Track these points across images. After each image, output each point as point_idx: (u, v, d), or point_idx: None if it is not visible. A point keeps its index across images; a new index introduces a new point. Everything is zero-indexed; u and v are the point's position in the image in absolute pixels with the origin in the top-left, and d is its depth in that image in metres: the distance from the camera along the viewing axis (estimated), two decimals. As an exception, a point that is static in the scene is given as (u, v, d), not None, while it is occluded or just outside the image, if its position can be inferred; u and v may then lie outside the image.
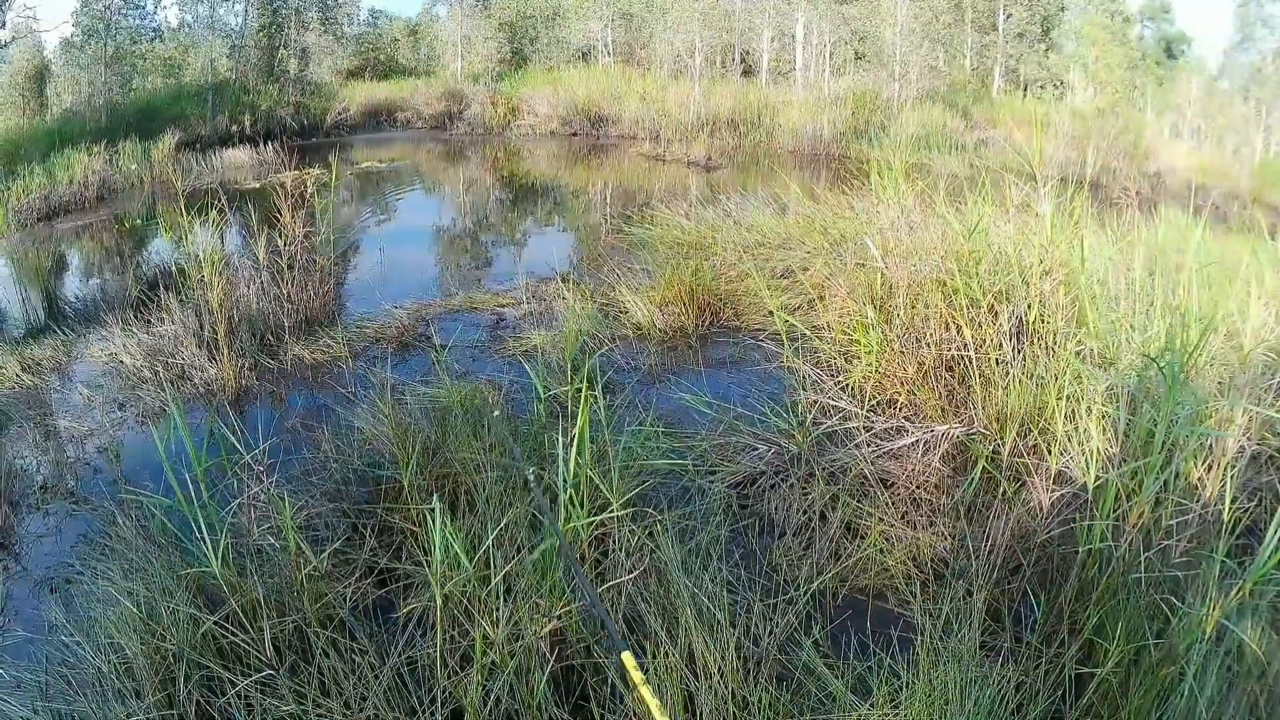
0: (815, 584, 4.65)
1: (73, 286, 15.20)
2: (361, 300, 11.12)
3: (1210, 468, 4.80)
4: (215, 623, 4.27)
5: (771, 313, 7.26)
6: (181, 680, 4.07)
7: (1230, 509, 4.26)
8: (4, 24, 26.04)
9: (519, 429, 6.14)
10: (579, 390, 5.07)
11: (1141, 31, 39.83)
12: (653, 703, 1.13)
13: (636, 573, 4.48)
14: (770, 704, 3.80)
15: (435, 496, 3.97)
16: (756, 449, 6.17)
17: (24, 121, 32.51)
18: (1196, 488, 4.67)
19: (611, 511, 4.39)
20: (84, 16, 34.67)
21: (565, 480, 4.29)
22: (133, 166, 24.97)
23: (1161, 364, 4.45)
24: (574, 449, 4.27)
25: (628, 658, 1.24)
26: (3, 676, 4.46)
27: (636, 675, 1.18)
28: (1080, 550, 4.36)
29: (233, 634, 4.24)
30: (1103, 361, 5.61)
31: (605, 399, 5.82)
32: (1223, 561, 3.70)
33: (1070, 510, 4.79)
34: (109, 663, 4.21)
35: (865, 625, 4.48)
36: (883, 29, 31.65)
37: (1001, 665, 3.87)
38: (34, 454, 7.48)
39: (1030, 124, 23.41)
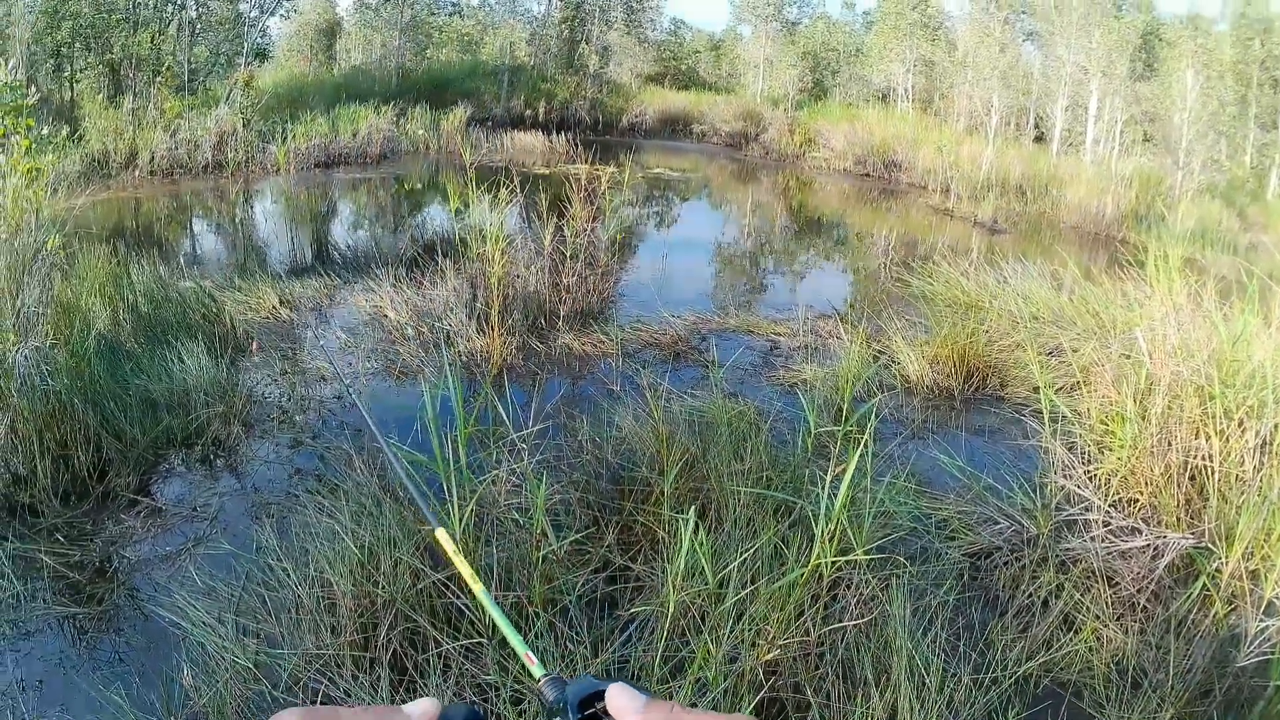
0: (1022, 669, 4.52)
1: (342, 234, 15.99)
2: (638, 302, 11.37)
3: None
4: (437, 582, 4.35)
5: (1037, 389, 7.11)
6: (384, 628, 4.24)
7: None
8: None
9: (778, 458, 6.10)
10: (847, 434, 5.03)
11: None
12: (465, 569, 1.21)
13: (864, 620, 4.47)
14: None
15: (692, 508, 3.94)
16: (998, 523, 6.10)
17: (309, 71, 34.13)
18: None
19: (853, 557, 4.32)
20: (383, -19, 36.31)
21: (823, 519, 4.24)
22: (420, 132, 25.95)
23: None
24: (842, 491, 4.20)
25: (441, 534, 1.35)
26: (194, 581, 4.76)
27: (449, 546, 1.28)
28: (1271, 685, 4.27)
29: (454, 596, 4.34)
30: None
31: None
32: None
33: (1273, 644, 4.62)
34: (312, 595, 4.42)
35: None
36: (1172, 113, 30.61)
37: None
38: (276, 384, 7.82)
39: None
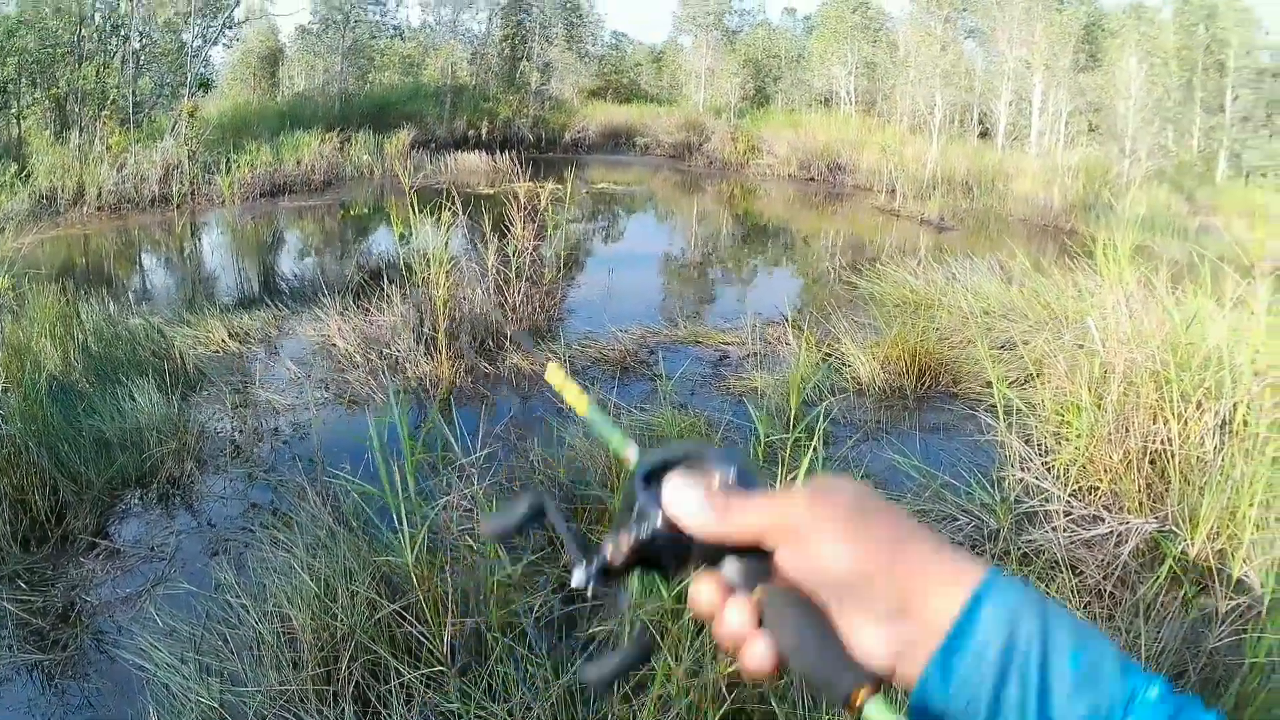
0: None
1: (289, 264, 16.01)
2: (585, 318, 11.41)
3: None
4: (394, 611, 4.36)
5: (990, 384, 7.17)
6: (345, 660, 4.22)
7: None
8: (238, 2, 27.39)
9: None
10: (798, 440, 5.06)
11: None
12: (572, 391, 1.23)
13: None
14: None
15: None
16: (957, 520, 6.14)
17: (254, 99, 34.21)
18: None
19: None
20: (322, 6, 36.57)
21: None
22: (364, 157, 26.03)
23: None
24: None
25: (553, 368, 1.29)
26: (156, 623, 4.73)
27: (557, 377, 1.26)
28: (1245, 663, 4.29)
29: (411, 625, 4.36)
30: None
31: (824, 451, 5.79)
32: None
33: (1244, 621, 4.70)
34: (272, 630, 4.40)
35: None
36: (1116, 102, 30.99)
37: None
38: (228, 418, 7.84)
39: (1252, 213, 23.04)
